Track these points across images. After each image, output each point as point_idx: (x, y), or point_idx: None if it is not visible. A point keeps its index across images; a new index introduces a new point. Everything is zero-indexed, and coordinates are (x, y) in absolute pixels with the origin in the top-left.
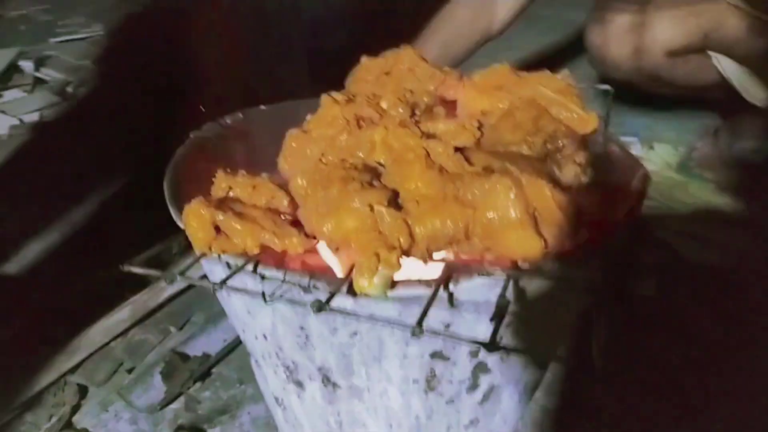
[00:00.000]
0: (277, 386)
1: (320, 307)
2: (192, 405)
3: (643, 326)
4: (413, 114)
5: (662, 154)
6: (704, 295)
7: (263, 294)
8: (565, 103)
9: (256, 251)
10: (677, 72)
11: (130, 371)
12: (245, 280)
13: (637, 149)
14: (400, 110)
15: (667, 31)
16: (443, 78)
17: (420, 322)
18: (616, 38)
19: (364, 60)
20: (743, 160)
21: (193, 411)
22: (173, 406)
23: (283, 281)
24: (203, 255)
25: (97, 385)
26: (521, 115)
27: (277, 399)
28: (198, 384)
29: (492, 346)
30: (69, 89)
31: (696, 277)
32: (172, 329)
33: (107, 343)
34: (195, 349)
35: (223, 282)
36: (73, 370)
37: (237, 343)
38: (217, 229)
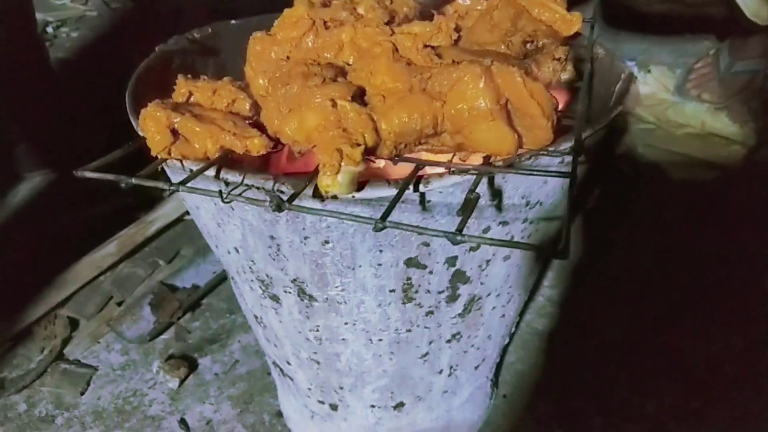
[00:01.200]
0: (254, 302)
1: (279, 205)
2: (182, 335)
3: (631, 243)
4: (392, 21)
5: (659, 77)
6: (688, 210)
7: (220, 192)
8: (546, 3)
9: (216, 154)
10: None
11: (119, 304)
12: (210, 186)
13: (634, 72)
14: (378, 14)
15: None
16: None
17: (384, 217)
18: None
19: None
20: (741, 81)
21: (183, 341)
22: (163, 336)
23: (242, 184)
24: (162, 160)
25: (87, 317)
26: (499, 15)
27: (256, 317)
28: (188, 315)
29: (456, 235)
30: (49, 29)
31: (683, 192)
32: (161, 262)
33: (96, 277)
34: (184, 281)
35: (179, 183)
36: (62, 304)
37: (225, 275)
38: (178, 134)
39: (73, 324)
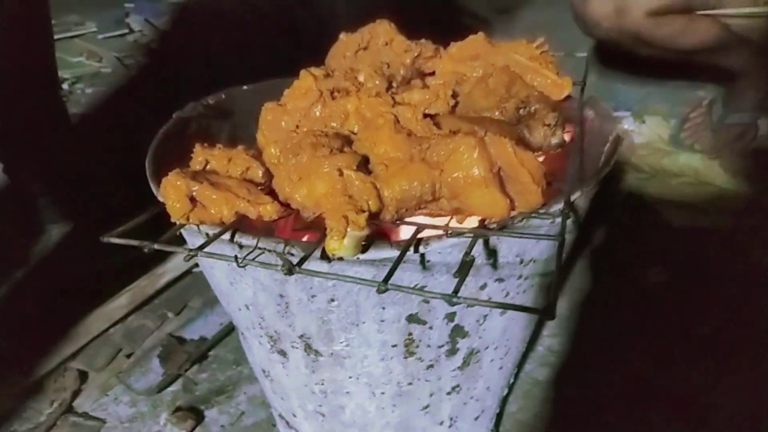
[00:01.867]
0: (262, 357)
1: (290, 269)
2: (190, 387)
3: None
4: (390, 86)
5: (653, 127)
6: (687, 256)
7: (236, 257)
8: (538, 69)
9: (232, 219)
10: (658, 33)
11: (128, 356)
12: (224, 249)
13: (629, 123)
14: (377, 82)
15: None
16: (419, 50)
17: (386, 279)
18: None
19: (342, 36)
20: (734, 132)
21: (191, 392)
22: (171, 388)
23: (257, 247)
24: (181, 225)
25: (96, 370)
26: (494, 82)
27: (264, 371)
28: (195, 366)
29: (453, 297)
30: (65, 86)
31: (681, 240)
32: (170, 314)
33: (106, 330)
34: (192, 333)
35: (198, 249)
36: (73, 357)
37: (233, 327)
38: (196, 201)
39: (83, 376)
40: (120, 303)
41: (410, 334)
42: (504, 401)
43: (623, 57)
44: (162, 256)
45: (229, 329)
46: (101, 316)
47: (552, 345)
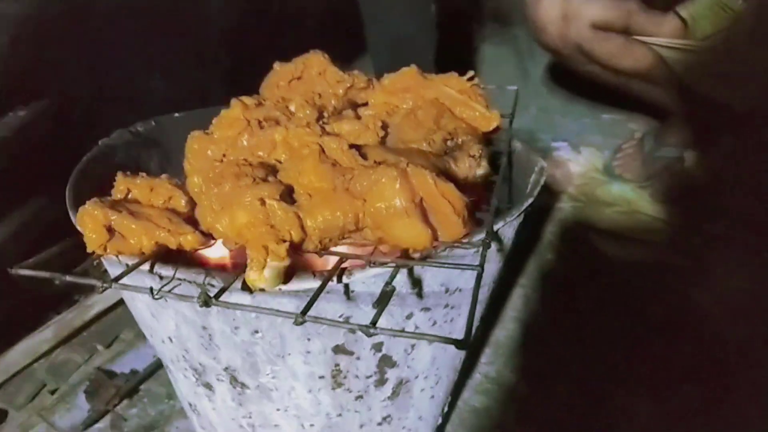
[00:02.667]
0: (188, 391)
1: (206, 301)
2: (118, 423)
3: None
4: (321, 116)
5: (589, 157)
6: (621, 289)
7: (151, 289)
8: (467, 102)
9: (152, 250)
10: (599, 48)
11: (53, 392)
12: (144, 280)
13: (566, 152)
14: (307, 112)
15: (595, 2)
16: (352, 81)
17: (304, 311)
18: (547, 1)
19: (276, 66)
20: (661, 164)
21: (119, 429)
22: (99, 425)
23: (174, 278)
24: (98, 256)
25: (17, 408)
26: (423, 114)
27: (191, 405)
28: (125, 401)
29: (370, 328)
30: None
31: (614, 267)
32: (99, 347)
33: (29, 365)
34: (123, 366)
35: (113, 281)
36: None
37: None
38: (114, 231)
39: (2, 415)
40: (45, 336)
41: (337, 365)
42: (440, 430)
43: (560, 87)
44: (90, 287)
45: (162, 362)
46: (24, 351)
47: (489, 372)
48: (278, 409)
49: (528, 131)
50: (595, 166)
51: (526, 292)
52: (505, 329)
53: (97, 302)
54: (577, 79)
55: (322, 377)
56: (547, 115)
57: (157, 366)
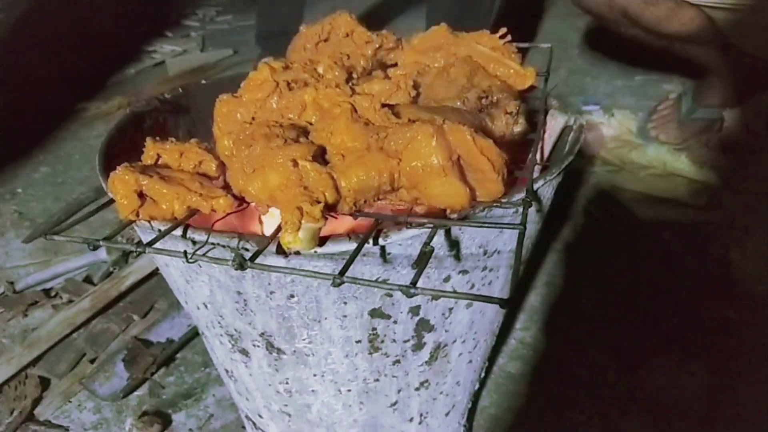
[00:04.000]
0: (224, 357)
1: (241, 264)
2: (156, 390)
3: (603, 285)
4: (350, 77)
5: (622, 120)
6: (656, 247)
7: (185, 253)
8: (501, 59)
9: (184, 214)
10: (647, 13)
11: (92, 361)
12: (177, 245)
13: (599, 116)
14: (336, 73)
15: None
16: (381, 42)
17: (342, 272)
18: None
19: (303, 28)
20: (699, 125)
21: (157, 396)
22: (137, 392)
23: (207, 242)
24: (129, 221)
25: (59, 376)
26: (456, 72)
27: (227, 371)
28: (162, 370)
29: (410, 288)
30: None
31: (650, 231)
32: (135, 317)
33: (69, 335)
34: (159, 336)
35: (147, 245)
36: (34, 363)
37: None
38: (146, 196)
39: (45, 383)
40: (82, 306)
41: (374, 329)
42: (476, 396)
43: (591, 48)
44: (126, 258)
45: (197, 331)
46: (63, 321)
47: (524, 338)
48: (315, 375)
49: (558, 94)
50: (628, 129)
51: (560, 257)
52: (539, 294)
53: (132, 273)
54: (611, 39)
55: (358, 342)
56: (578, 77)
57: (193, 335)
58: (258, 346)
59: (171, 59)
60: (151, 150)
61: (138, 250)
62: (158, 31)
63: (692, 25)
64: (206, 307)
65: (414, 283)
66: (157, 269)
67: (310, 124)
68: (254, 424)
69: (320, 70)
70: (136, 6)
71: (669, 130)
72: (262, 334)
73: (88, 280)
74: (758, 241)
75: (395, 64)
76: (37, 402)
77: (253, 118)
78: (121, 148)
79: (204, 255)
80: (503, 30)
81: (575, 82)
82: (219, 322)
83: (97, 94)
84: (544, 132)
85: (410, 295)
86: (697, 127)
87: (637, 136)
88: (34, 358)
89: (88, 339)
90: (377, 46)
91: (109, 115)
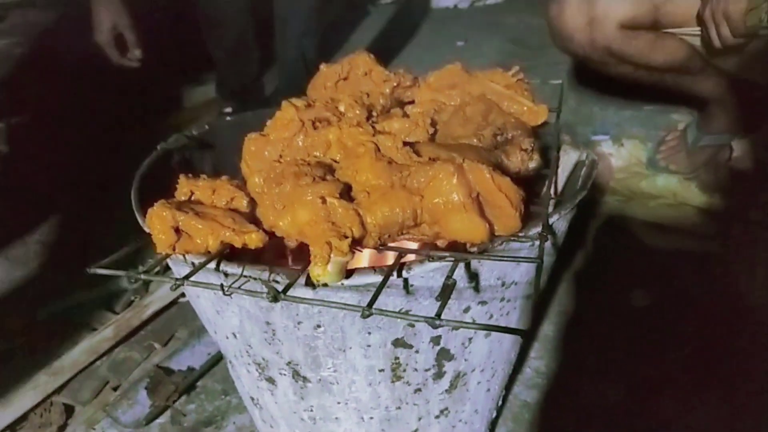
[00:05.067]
0: (251, 385)
1: (275, 296)
2: (177, 418)
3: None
4: (370, 115)
5: (631, 150)
6: (668, 277)
7: (222, 286)
8: (515, 97)
9: (217, 249)
10: (629, 47)
11: (115, 389)
12: (210, 278)
13: (608, 146)
14: (357, 112)
15: (618, 1)
16: (398, 80)
17: (370, 304)
18: (571, 9)
19: (323, 67)
20: (707, 153)
21: (179, 424)
22: (159, 420)
23: (242, 276)
24: (166, 256)
25: (83, 404)
26: (471, 110)
27: (252, 399)
28: (183, 397)
29: (435, 320)
30: None
31: (662, 262)
32: (157, 345)
33: (92, 363)
34: (179, 364)
35: (184, 278)
36: (58, 391)
37: (221, 356)
38: (180, 231)
39: (69, 410)
40: (105, 335)
41: (396, 358)
42: (493, 424)
43: (598, 80)
44: (147, 288)
45: (217, 359)
46: (86, 349)
47: (539, 367)
48: (339, 402)
49: (567, 125)
50: (638, 159)
51: (572, 287)
52: (553, 323)
53: (153, 302)
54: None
55: (381, 370)
56: (586, 107)
57: (213, 363)
58: (284, 375)
59: None
60: (184, 187)
61: (177, 283)
62: None
63: (678, 54)
64: (235, 336)
65: (439, 315)
66: (177, 299)
67: (336, 161)
68: None
69: (341, 108)
70: None
71: (678, 159)
72: (288, 363)
73: (109, 308)
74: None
75: (412, 101)
76: (62, 429)
77: (280, 156)
78: (153, 184)
79: (239, 288)
80: (516, 68)
81: (584, 112)
82: (247, 351)
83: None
84: (557, 167)
85: (435, 326)
86: (705, 155)
87: (646, 166)
88: (58, 386)
89: (111, 367)
90: (395, 84)
91: None
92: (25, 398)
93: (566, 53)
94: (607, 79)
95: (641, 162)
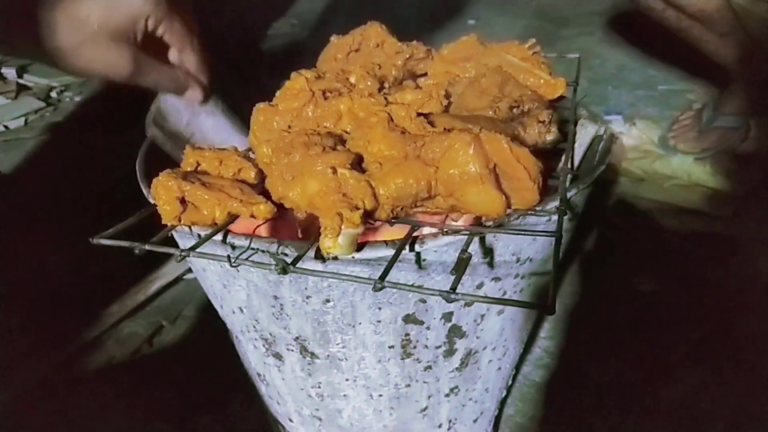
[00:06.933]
0: (258, 361)
1: (284, 268)
2: None
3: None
4: (382, 87)
5: (643, 130)
6: (680, 258)
7: (228, 257)
8: (531, 69)
9: (224, 220)
10: None
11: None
12: (217, 250)
13: (620, 126)
14: (368, 83)
15: None
16: (411, 52)
17: (382, 277)
18: None
19: (333, 39)
20: (718, 134)
21: None
22: None
23: (249, 248)
24: (172, 227)
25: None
26: (487, 82)
27: (259, 375)
28: None
29: (450, 293)
30: (53, 94)
31: (674, 242)
32: (164, 323)
33: (98, 336)
34: None
35: (190, 249)
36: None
37: None
38: (187, 202)
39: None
40: (110, 309)
41: (407, 334)
42: (502, 404)
43: (614, 54)
44: (151, 264)
45: None
46: (91, 324)
47: (548, 347)
48: (347, 379)
49: (580, 103)
50: (650, 139)
51: (584, 267)
52: (564, 304)
53: (159, 277)
54: (630, 44)
55: (391, 347)
56: (600, 86)
57: None
58: (292, 350)
59: None
60: (190, 157)
61: (183, 254)
62: None
63: (710, 2)
64: (242, 311)
65: (454, 289)
66: (183, 275)
67: (347, 132)
68: (283, 428)
69: (352, 79)
70: None
71: (688, 139)
72: (296, 339)
73: None
74: None
75: (425, 74)
76: None
77: (289, 127)
78: (158, 156)
79: (247, 259)
80: (532, 40)
81: (597, 91)
82: (254, 326)
83: None
84: (574, 141)
85: (450, 300)
86: (716, 136)
87: (659, 146)
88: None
89: (116, 342)
90: (408, 56)
91: None
92: (31, 368)
93: None
94: (625, 50)
95: (654, 142)
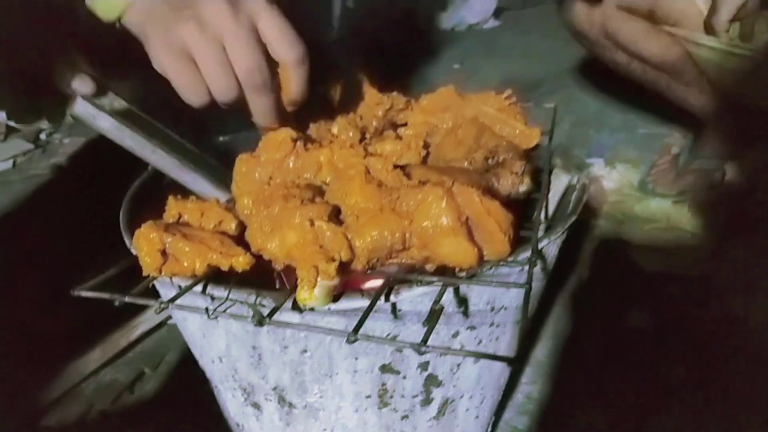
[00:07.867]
0: (236, 410)
1: (260, 320)
2: None
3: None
4: (363, 137)
5: (624, 173)
6: (662, 301)
7: (207, 309)
8: (506, 120)
9: (204, 272)
10: (623, 28)
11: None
12: (197, 301)
13: (600, 169)
14: (350, 134)
15: None
16: (391, 103)
17: (356, 329)
18: None
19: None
20: (694, 176)
21: None
22: None
23: (228, 299)
24: (153, 278)
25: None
26: (463, 133)
27: (238, 424)
28: None
29: (421, 346)
30: (42, 136)
31: (656, 285)
32: (147, 370)
33: (77, 384)
34: None
35: (169, 301)
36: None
37: None
38: (167, 254)
39: None
40: (92, 356)
41: (384, 384)
42: None
43: (593, 99)
44: (134, 308)
45: None
46: (72, 370)
47: (531, 392)
48: (325, 429)
49: (562, 147)
50: (629, 182)
51: (565, 310)
52: (545, 348)
53: (142, 323)
54: (611, 88)
55: (368, 396)
56: (581, 129)
57: None
58: (270, 400)
59: None
60: (173, 209)
61: (162, 306)
62: None
63: (671, 52)
64: (221, 360)
65: (425, 341)
66: (166, 320)
67: (326, 183)
68: None
69: (334, 130)
70: None
71: (666, 182)
72: (274, 388)
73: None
74: (763, 294)
75: (405, 124)
76: None
77: (270, 178)
78: (143, 205)
79: (224, 311)
80: (509, 91)
81: (578, 134)
82: (233, 376)
83: None
84: (548, 191)
85: (421, 353)
86: (693, 178)
87: (637, 189)
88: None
89: (97, 390)
90: (388, 107)
91: None
92: (7, 421)
93: (567, 27)
94: (605, 95)
95: (633, 185)
